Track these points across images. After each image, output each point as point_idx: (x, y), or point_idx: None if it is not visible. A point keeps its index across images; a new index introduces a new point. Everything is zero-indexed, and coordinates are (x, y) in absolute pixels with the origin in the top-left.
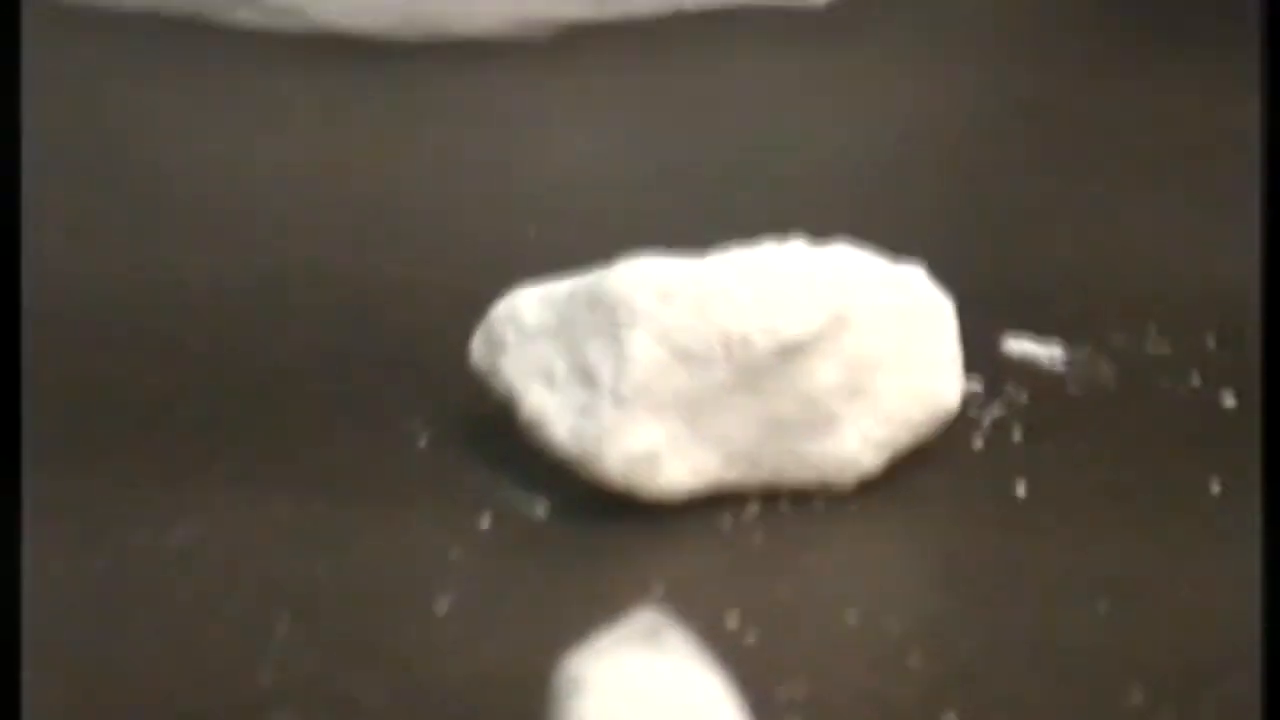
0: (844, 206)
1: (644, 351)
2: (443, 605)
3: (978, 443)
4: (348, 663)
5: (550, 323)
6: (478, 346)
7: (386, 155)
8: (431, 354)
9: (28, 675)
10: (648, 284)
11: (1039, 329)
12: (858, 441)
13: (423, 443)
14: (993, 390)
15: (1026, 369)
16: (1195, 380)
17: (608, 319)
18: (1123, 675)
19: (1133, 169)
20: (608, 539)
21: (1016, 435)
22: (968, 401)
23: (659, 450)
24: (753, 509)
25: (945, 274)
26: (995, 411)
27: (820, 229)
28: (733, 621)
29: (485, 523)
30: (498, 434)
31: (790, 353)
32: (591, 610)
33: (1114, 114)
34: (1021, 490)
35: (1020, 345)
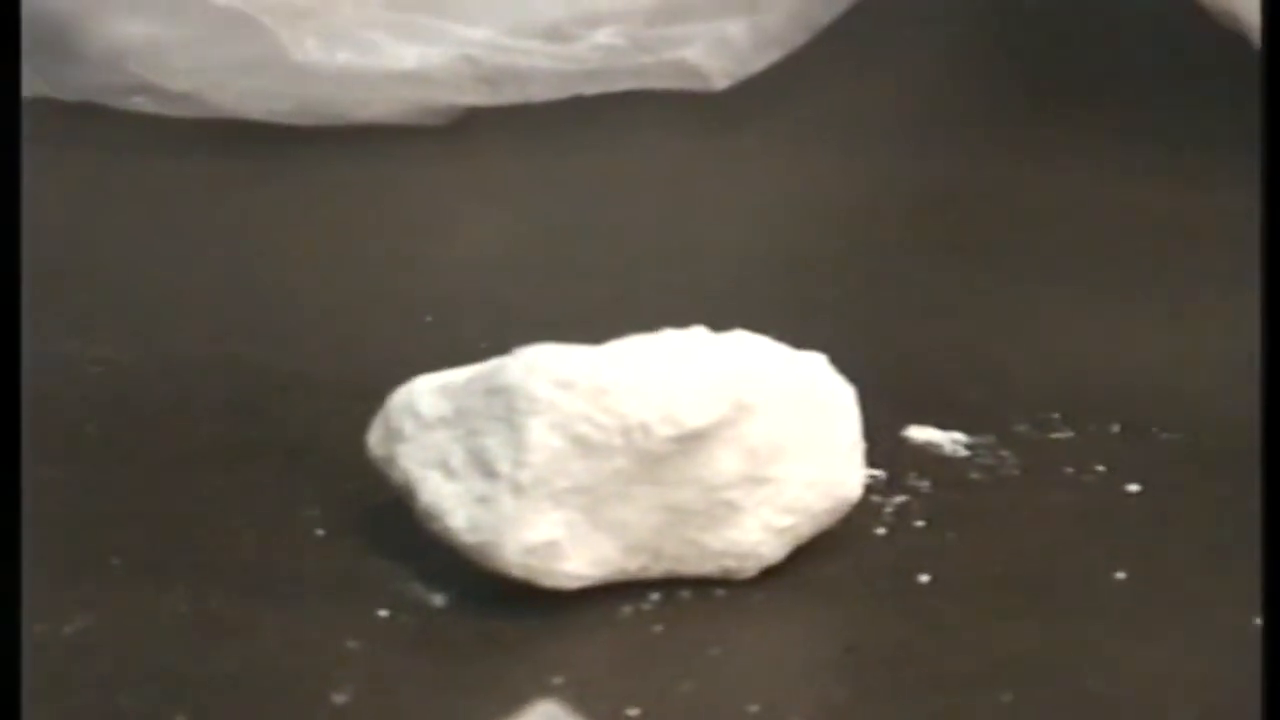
0: (744, 295)
1: (542, 440)
2: (340, 696)
3: (880, 530)
4: None
5: (448, 412)
6: (375, 436)
7: (283, 243)
8: (328, 444)
9: None
10: (546, 373)
11: (941, 417)
12: (759, 531)
13: (320, 533)
14: (895, 478)
15: (929, 457)
16: (1099, 467)
17: (506, 408)
18: None
19: (1035, 256)
20: (507, 629)
21: (919, 523)
22: (870, 489)
23: (558, 540)
24: (654, 598)
25: (846, 363)
26: (897, 499)
27: (720, 317)
28: (633, 712)
29: (383, 613)
30: (395, 524)
31: (690, 441)
32: (491, 701)
33: (1015, 201)
34: (924, 578)
35: (922, 433)
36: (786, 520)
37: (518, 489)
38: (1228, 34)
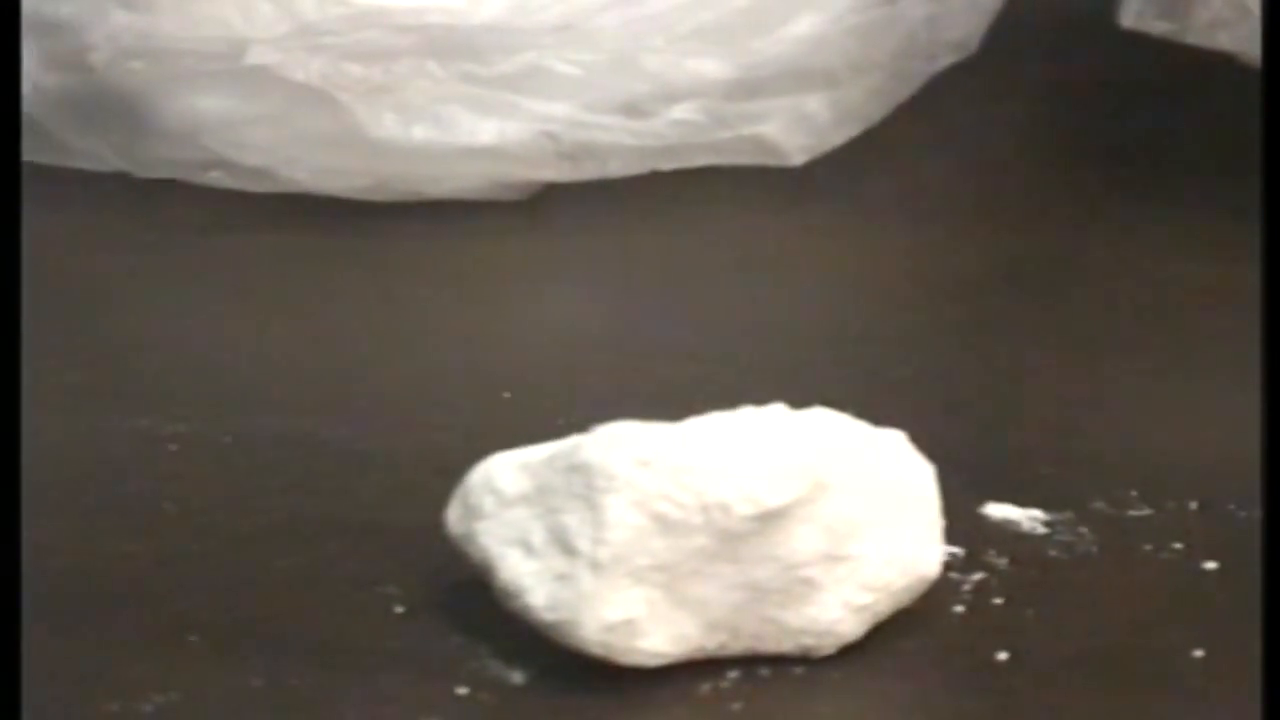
0: (822, 371)
1: (622, 518)
2: None
3: (958, 608)
4: None
5: (527, 489)
6: (454, 513)
7: (358, 318)
8: (405, 520)
9: None
10: (626, 450)
11: (1019, 494)
12: (838, 609)
13: (398, 610)
14: (973, 556)
15: (1007, 534)
16: (1177, 545)
17: (585, 486)
18: None
19: (1111, 332)
20: (586, 707)
21: (997, 600)
22: (948, 566)
23: (637, 618)
24: (732, 675)
25: (924, 440)
26: (976, 577)
27: (798, 394)
28: None
29: (462, 690)
30: (474, 601)
31: (770, 520)
32: None
33: (1090, 276)
34: (1002, 656)
35: (1001, 510)
36: (865, 598)
37: (597, 566)
38: None
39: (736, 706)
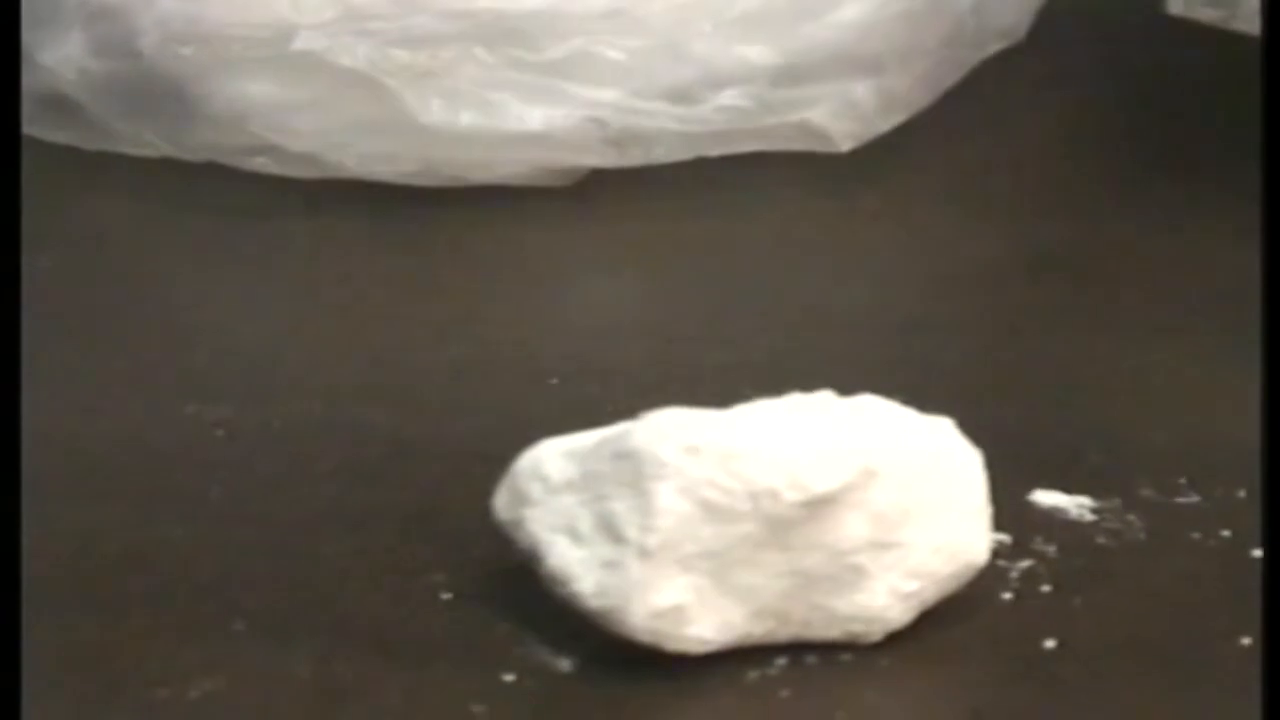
0: (869, 357)
1: (670, 505)
2: None
3: (1006, 595)
4: None
5: (575, 477)
6: (501, 500)
7: (405, 304)
8: (454, 508)
9: None
10: (674, 437)
11: (1067, 481)
12: (886, 596)
13: (445, 597)
14: (1021, 543)
15: (1055, 521)
16: (1225, 532)
17: (633, 473)
18: None
19: (1158, 319)
20: (633, 694)
21: (1045, 588)
22: (996, 554)
23: (685, 605)
24: (780, 662)
25: (971, 426)
26: (1024, 564)
27: (846, 380)
28: None
29: (509, 677)
30: (522, 588)
31: (818, 506)
32: None
33: (1138, 263)
34: (1050, 643)
35: (1048, 497)
36: (913, 585)
37: (645, 554)
38: None
39: (784, 694)
